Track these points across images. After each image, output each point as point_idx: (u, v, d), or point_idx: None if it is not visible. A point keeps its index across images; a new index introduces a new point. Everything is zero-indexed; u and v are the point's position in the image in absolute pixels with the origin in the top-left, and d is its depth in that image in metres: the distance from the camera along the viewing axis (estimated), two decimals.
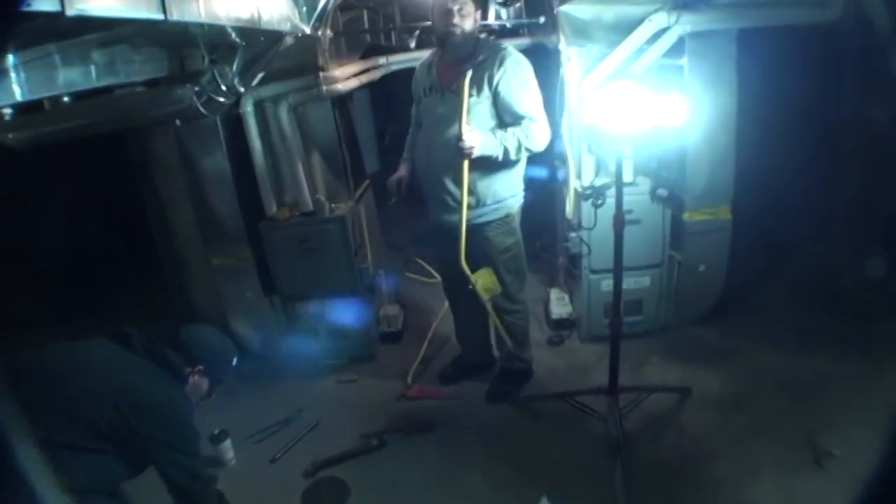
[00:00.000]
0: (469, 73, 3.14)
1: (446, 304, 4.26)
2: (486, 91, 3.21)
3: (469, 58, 3.26)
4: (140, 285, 5.11)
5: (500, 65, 3.19)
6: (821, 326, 4.00)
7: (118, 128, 3.90)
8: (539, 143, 3.27)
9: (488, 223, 3.42)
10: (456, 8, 3.17)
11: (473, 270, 3.39)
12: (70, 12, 1.56)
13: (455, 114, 3.16)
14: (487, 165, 3.26)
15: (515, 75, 3.21)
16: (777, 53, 4.00)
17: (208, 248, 4.28)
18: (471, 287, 3.39)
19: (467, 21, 3.20)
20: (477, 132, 3.13)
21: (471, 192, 3.29)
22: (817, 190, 4.63)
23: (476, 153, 3.12)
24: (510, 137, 3.18)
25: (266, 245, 4.15)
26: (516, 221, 3.54)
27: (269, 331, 4.42)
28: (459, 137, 3.09)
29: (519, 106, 3.22)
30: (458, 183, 3.25)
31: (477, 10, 3.29)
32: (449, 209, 3.38)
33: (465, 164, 3.18)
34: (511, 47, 3.32)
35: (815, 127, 4.45)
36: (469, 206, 3.30)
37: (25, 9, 1.44)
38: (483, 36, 3.47)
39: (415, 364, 4.23)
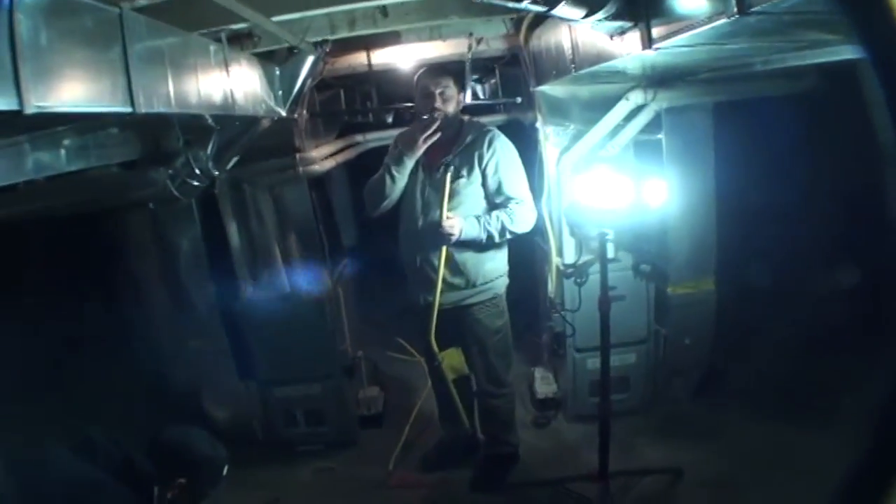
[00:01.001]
0: (452, 168, 3.16)
1: (429, 384, 4.11)
2: (475, 172, 3.23)
3: (454, 139, 3.27)
4: (113, 368, 4.90)
5: (489, 146, 3.21)
6: (810, 394, 3.91)
7: (91, 209, 3.82)
8: (524, 225, 3.26)
9: (478, 304, 3.38)
10: (438, 91, 3.19)
11: (463, 352, 3.37)
12: (28, 110, 1.49)
13: (461, 191, 3.22)
14: (476, 246, 3.24)
15: (504, 157, 3.23)
16: (754, 124, 4.05)
17: (183, 330, 4.15)
18: (436, 364, 3.35)
19: (450, 104, 3.23)
20: (457, 218, 3.12)
21: (460, 273, 3.27)
22: (800, 258, 4.62)
23: (456, 240, 3.10)
24: (494, 221, 3.16)
25: (242, 327, 4.04)
26: (504, 302, 3.50)
27: (246, 415, 4.24)
28: (439, 224, 3.09)
29: (506, 188, 3.23)
30: (449, 265, 3.24)
31: (460, 91, 3.32)
32: (434, 290, 3.30)
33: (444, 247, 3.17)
34: (496, 129, 3.35)
35: (794, 194, 4.48)
36: (458, 287, 3.29)
37: None
38: (467, 118, 3.48)
39: (396, 449, 4.05)
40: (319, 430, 4.21)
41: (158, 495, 2.15)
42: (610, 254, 3.66)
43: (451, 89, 3.23)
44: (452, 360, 3.35)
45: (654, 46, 1.97)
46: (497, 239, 3.20)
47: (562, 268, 3.93)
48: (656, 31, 1.95)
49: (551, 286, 4.09)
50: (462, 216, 3.19)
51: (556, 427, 4.24)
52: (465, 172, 3.21)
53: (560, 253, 3.98)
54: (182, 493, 2.22)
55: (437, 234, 3.13)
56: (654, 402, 4.17)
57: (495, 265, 3.37)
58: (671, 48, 1.99)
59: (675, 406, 4.16)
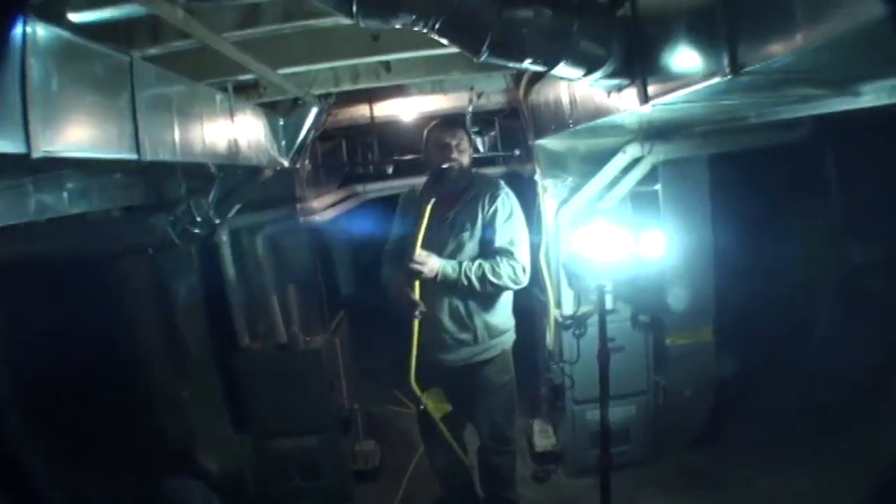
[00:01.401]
0: (432, 201, 3.08)
1: None
2: (478, 226, 3.17)
3: (463, 192, 3.24)
4: (107, 416, 4.82)
5: (492, 199, 3.17)
6: (810, 441, 3.87)
7: (91, 252, 3.82)
8: (509, 279, 3.10)
9: (487, 361, 3.28)
10: (454, 143, 3.18)
11: (464, 411, 3.34)
12: (35, 155, 1.51)
13: (445, 248, 3.15)
14: (482, 301, 3.19)
15: (503, 210, 3.17)
16: (750, 174, 4.11)
17: (179, 380, 4.11)
18: (422, 408, 3.28)
19: (465, 156, 3.22)
20: (434, 256, 3.05)
21: (467, 328, 3.18)
22: (799, 305, 4.63)
23: (427, 275, 3.02)
24: (474, 268, 3.07)
25: (238, 378, 3.99)
26: (511, 358, 3.41)
27: (240, 468, 4.17)
28: (411, 258, 3.02)
29: (498, 241, 3.14)
30: (456, 320, 3.17)
31: (471, 144, 3.31)
32: (445, 347, 3.22)
33: (416, 283, 3.08)
34: (503, 183, 3.32)
35: (792, 242, 4.52)
36: (467, 344, 3.20)
37: None
38: (475, 170, 3.44)
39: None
40: (314, 485, 4.12)
41: None
42: (608, 305, 3.67)
43: (465, 141, 3.23)
44: (433, 399, 3.25)
45: (651, 103, 2.02)
46: (478, 287, 3.06)
47: (560, 319, 3.92)
48: (652, 89, 1.99)
49: (550, 338, 4.08)
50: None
51: (556, 481, 4.17)
52: (468, 226, 3.16)
53: (558, 304, 3.98)
54: None
55: (406, 268, 3.04)
56: (656, 454, 4.11)
57: (502, 320, 3.30)
58: (667, 105, 2.04)
59: (677, 458, 4.10)
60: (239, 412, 4.08)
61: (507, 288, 3.17)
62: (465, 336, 3.20)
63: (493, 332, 3.25)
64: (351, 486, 4.26)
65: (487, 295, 3.15)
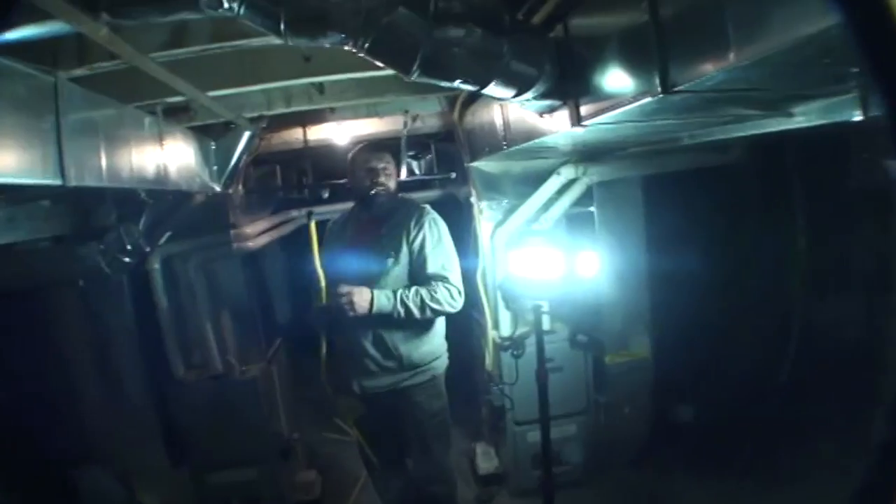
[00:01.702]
0: (313, 220, 3.12)
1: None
2: (403, 250, 3.07)
3: (388, 216, 3.16)
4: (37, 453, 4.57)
5: (417, 223, 3.09)
6: (749, 454, 3.96)
7: (19, 284, 3.65)
8: (448, 304, 3.03)
9: (416, 387, 3.14)
10: (381, 167, 3.12)
11: (397, 441, 3.27)
12: None
13: (371, 276, 3.03)
14: (406, 326, 3.05)
15: (431, 235, 3.09)
16: (683, 195, 4.24)
17: (113, 413, 3.94)
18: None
19: (391, 180, 3.17)
20: (363, 289, 2.94)
21: (392, 356, 3.06)
22: (733, 321, 4.77)
23: (358, 311, 2.91)
24: (411, 295, 2.96)
25: (173, 410, 3.88)
26: (442, 384, 3.29)
27: (179, 503, 4.01)
28: (339, 293, 2.92)
29: (430, 266, 3.05)
30: (380, 347, 3.05)
31: (396, 168, 3.30)
32: (369, 374, 3.11)
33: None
34: (428, 207, 3.24)
35: (724, 261, 4.66)
36: (392, 371, 3.09)
37: None
38: (400, 195, 3.36)
39: None
40: None
41: None
42: (546, 326, 3.71)
43: (392, 166, 3.19)
44: (346, 402, 3.24)
45: (583, 123, 2.06)
46: (417, 314, 2.97)
47: (498, 341, 3.94)
48: (584, 109, 2.04)
49: (488, 359, 4.08)
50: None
51: (500, 503, 4.15)
52: (393, 252, 3.06)
53: (496, 326, 4.00)
54: None
55: (330, 306, 2.98)
56: (597, 473, 4.14)
57: (431, 347, 3.18)
58: (600, 125, 2.08)
59: (620, 474, 4.13)
60: (176, 445, 3.96)
61: (445, 312, 3.08)
62: (390, 363, 3.09)
63: (421, 358, 3.14)
64: None
65: (414, 320, 3.02)
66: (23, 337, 4.12)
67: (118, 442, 3.95)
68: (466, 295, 3.14)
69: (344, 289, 2.90)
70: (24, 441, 4.10)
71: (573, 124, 2.11)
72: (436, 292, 2.99)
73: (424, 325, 3.12)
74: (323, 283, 3.07)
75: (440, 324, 3.23)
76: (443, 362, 3.28)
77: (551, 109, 2.27)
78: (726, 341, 4.56)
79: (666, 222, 4.14)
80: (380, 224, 3.16)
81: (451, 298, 3.03)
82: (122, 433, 3.92)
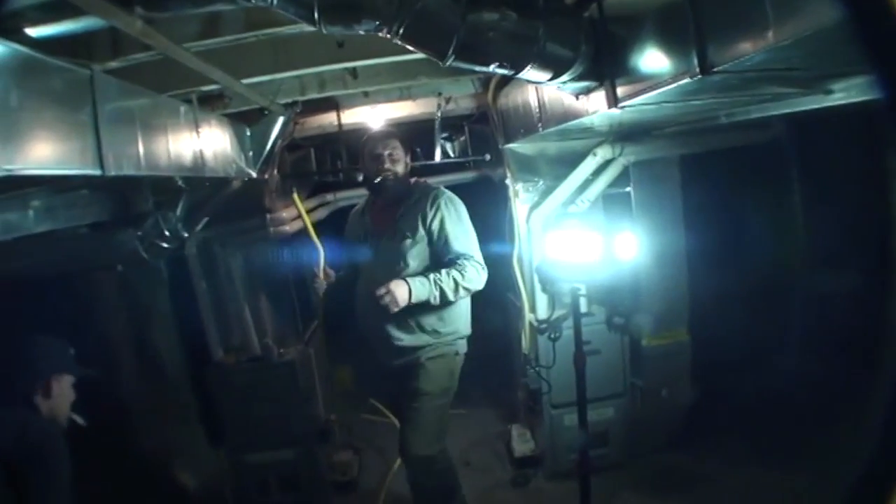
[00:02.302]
0: (294, 191, 3.41)
1: None
2: (420, 232, 3.15)
3: (402, 200, 3.25)
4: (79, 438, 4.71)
5: (433, 204, 3.16)
6: (786, 440, 3.90)
7: (59, 271, 3.73)
8: (476, 282, 3.12)
9: (432, 359, 3.19)
10: (386, 153, 3.20)
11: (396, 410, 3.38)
12: None
13: (393, 259, 3.14)
14: (430, 306, 3.09)
15: (449, 214, 3.16)
16: (721, 174, 4.14)
17: (152, 395, 4.02)
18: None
19: (399, 165, 3.23)
20: (400, 284, 2.98)
21: (414, 332, 3.14)
22: (773, 303, 4.67)
23: (401, 305, 2.96)
24: (445, 278, 3.03)
25: (212, 392, 3.93)
26: (450, 369, 3.27)
27: (217, 483, 4.09)
28: (378, 294, 2.97)
29: (455, 244, 3.13)
30: (401, 326, 3.13)
31: (407, 153, 3.30)
32: (392, 352, 3.21)
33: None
34: (443, 188, 3.32)
35: (764, 240, 4.56)
36: (412, 348, 3.17)
37: None
38: (414, 179, 3.43)
39: None
40: (293, 497, 4.06)
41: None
42: (583, 308, 3.67)
43: (399, 151, 3.23)
44: (343, 372, 3.29)
45: (620, 105, 2.02)
46: (451, 297, 3.05)
47: (535, 324, 3.92)
48: (621, 90, 2.00)
49: (525, 342, 4.06)
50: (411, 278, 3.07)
51: (536, 485, 4.14)
52: (409, 233, 3.14)
53: (533, 309, 3.97)
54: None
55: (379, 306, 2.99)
56: (634, 456, 4.11)
57: (456, 326, 3.24)
58: (636, 106, 2.04)
59: (656, 458, 4.10)
60: (214, 426, 4.01)
61: (474, 290, 3.16)
62: (411, 339, 3.16)
63: (442, 331, 3.19)
64: (329, 497, 4.21)
65: (447, 302, 3.10)
66: (62, 322, 4.23)
67: (158, 423, 4.04)
68: (503, 277, 3.17)
69: (382, 289, 2.95)
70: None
71: (610, 106, 2.08)
72: (465, 271, 3.08)
73: (450, 306, 3.18)
74: (322, 255, 3.39)
75: (466, 303, 3.29)
76: (461, 344, 3.31)
77: (587, 91, 2.23)
78: (767, 323, 4.47)
79: (704, 202, 4.05)
80: (395, 208, 3.25)
81: (478, 275, 3.13)
82: (161, 414, 4.01)
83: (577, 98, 2.33)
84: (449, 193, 3.25)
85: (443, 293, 3.02)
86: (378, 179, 3.21)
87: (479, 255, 3.18)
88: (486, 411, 3.59)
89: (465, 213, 3.23)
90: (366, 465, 4.58)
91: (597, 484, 3.33)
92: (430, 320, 3.16)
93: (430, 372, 3.19)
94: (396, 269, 3.10)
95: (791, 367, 4.34)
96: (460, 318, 3.27)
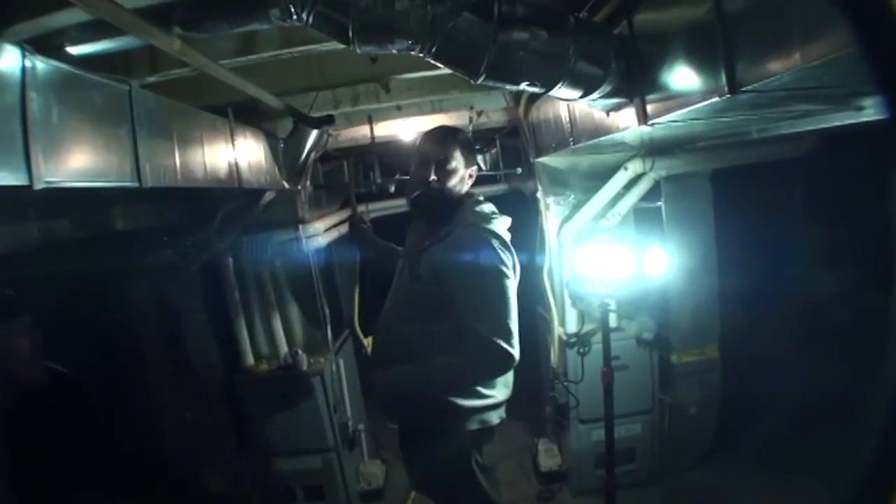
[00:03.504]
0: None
1: None
2: (430, 277, 2.31)
3: (440, 225, 2.37)
4: (110, 440, 4.80)
5: (456, 248, 2.26)
6: (817, 459, 3.81)
7: (95, 277, 3.83)
8: (481, 371, 2.28)
9: (433, 434, 2.41)
10: (437, 158, 2.35)
11: None
12: (38, 186, 1.53)
13: (404, 300, 2.44)
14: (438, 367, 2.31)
15: (468, 272, 2.23)
16: (753, 188, 4.09)
17: (183, 400, 4.09)
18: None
19: (452, 178, 2.36)
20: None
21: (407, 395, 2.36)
22: (805, 321, 4.58)
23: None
24: (441, 372, 2.29)
25: (242, 399, 3.99)
26: (469, 444, 2.40)
27: (245, 489, 4.14)
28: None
29: (468, 315, 2.21)
30: (418, 368, 2.31)
31: (470, 164, 2.43)
32: (410, 406, 2.41)
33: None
34: (486, 228, 2.31)
35: (797, 257, 4.48)
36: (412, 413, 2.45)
37: None
38: (476, 198, 2.49)
39: None
40: None
41: None
42: (612, 323, 3.66)
43: (457, 160, 2.35)
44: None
45: (650, 122, 2.01)
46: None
47: (564, 338, 3.90)
48: (651, 108, 1.99)
49: (554, 356, 4.06)
50: (414, 330, 2.34)
51: (562, 501, 4.13)
52: (424, 274, 2.31)
53: (562, 323, 3.96)
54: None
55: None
56: (662, 473, 4.07)
57: (459, 393, 2.33)
58: (667, 123, 2.03)
59: (682, 477, 4.05)
60: (244, 433, 4.06)
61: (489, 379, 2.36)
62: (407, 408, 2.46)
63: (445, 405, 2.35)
64: None
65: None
66: (96, 328, 4.32)
67: (187, 428, 4.10)
68: (533, 291, 2.68)
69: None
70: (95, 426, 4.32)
71: (640, 122, 2.07)
72: (468, 360, 2.25)
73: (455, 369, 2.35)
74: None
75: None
76: (473, 422, 2.40)
77: (618, 107, 2.22)
78: (801, 342, 4.39)
79: (736, 217, 4.00)
80: (428, 234, 2.42)
81: (485, 361, 2.24)
82: (191, 420, 4.07)
83: (608, 114, 2.33)
84: (485, 238, 2.26)
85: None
86: (415, 194, 2.40)
87: (504, 332, 2.17)
88: (514, 424, 3.57)
89: (490, 271, 2.23)
90: (393, 475, 4.58)
91: (622, 501, 3.30)
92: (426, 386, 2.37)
93: (444, 451, 2.47)
94: (405, 312, 2.42)
95: (827, 389, 4.25)
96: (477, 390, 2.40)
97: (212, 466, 4.11)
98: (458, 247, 2.25)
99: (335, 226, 4.25)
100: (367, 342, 3.01)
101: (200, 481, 4.07)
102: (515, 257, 2.36)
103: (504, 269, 2.24)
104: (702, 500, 3.82)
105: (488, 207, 2.46)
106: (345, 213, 4.58)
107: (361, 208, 4.80)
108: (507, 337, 2.16)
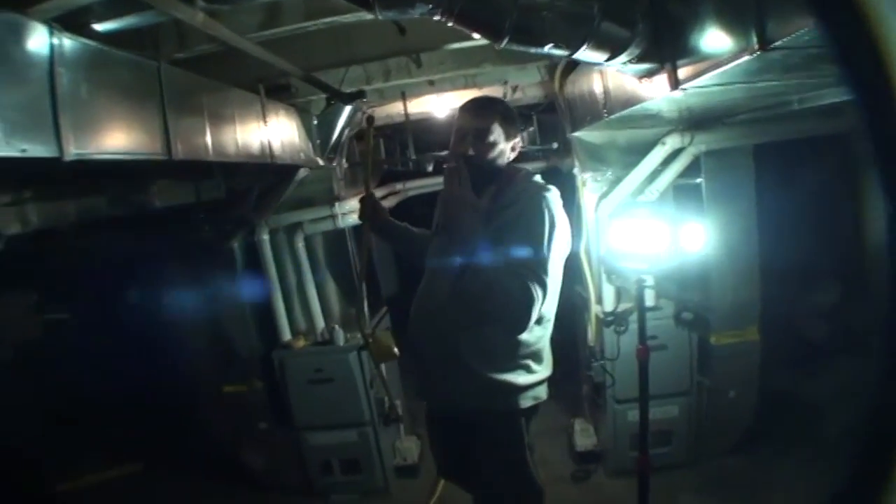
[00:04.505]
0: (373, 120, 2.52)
1: None
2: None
3: (487, 190, 2.29)
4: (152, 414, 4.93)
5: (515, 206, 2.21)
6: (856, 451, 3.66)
7: (133, 254, 3.92)
8: (502, 297, 2.09)
9: (483, 415, 2.32)
10: (474, 127, 2.23)
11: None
12: (67, 158, 1.56)
13: (463, 257, 2.21)
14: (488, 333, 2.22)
15: (523, 215, 2.18)
16: (797, 165, 3.94)
17: (221, 375, 4.19)
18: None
19: (492, 150, 2.24)
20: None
21: (456, 363, 2.24)
22: (848, 304, 4.42)
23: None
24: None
25: (279, 374, 4.05)
26: (521, 426, 2.34)
27: (281, 462, 4.23)
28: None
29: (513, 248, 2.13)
30: (465, 354, 2.22)
31: (512, 135, 2.29)
32: (445, 388, 2.31)
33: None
34: (553, 191, 2.24)
35: (843, 236, 4.31)
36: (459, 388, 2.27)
37: (22, 156, 1.45)
38: (523, 171, 2.38)
39: (431, 502, 3.92)
40: (354, 479, 4.17)
41: None
42: (650, 301, 3.58)
43: (496, 132, 2.22)
44: (382, 342, 2.80)
45: (682, 87, 1.95)
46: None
47: (601, 316, 3.84)
48: (682, 72, 1.92)
49: (591, 334, 4.00)
50: (460, 311, 2.21)
51: (596, 481, 4.09)
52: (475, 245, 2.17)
53: (599, 300, 3.90)
54: None
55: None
56: (697, 457, 3.98)
57: (511, 370, 2.25)
58: (700, 88, 1.96)
59: (718, 461, 3.96)
60: (281, 407, 4.14)
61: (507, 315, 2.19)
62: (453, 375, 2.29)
63: (493, 379, 2.28)
64: (390, 480, 4.27)
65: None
66: (137, 304, 4.44)
67: (226, 402, 4.19)
68: (570, 269, 2.51)
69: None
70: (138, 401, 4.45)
71: (672, 88, 2.01)
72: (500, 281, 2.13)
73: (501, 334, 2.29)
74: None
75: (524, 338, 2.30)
76: (524, 399, 2.35)
77: (650, 73, 2.16)
78: (845, 323, 4.23)
79: (779, 194, 3.86)
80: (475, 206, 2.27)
81: (508, 289, 2.10)
82: (230, 394, 4.16)
83: (641, 81, 2.26)
84: (554, 208, 2.17)
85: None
86: (448, 165, 2.28)
87: (529, 267, 2.08)
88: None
89: (544, 219, 2.13)
90: (427, 451, 4.59)
91: (657, 484, 3.23)
92: (480, 349, 2.29)
93: (492, 431, 2.42)
94: (449, 291, 2.26)
95: (870, 372, 4.08)
96: (525, 361, 2.34)
97: (249, 440, 4.21)
98: (523, 212, 2.16)
99: None
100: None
101: (238, 453, 4.18)
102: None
103: (563, 234, 2.17)
104: (737, 486, 3.73)
105: (541, 179, 2.36)
106: (383, 190, 4.60)
107: (398, 186, 4.80)
108: (539, 279, 2.07)
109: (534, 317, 2.11)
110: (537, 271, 2.07)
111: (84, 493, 3.95)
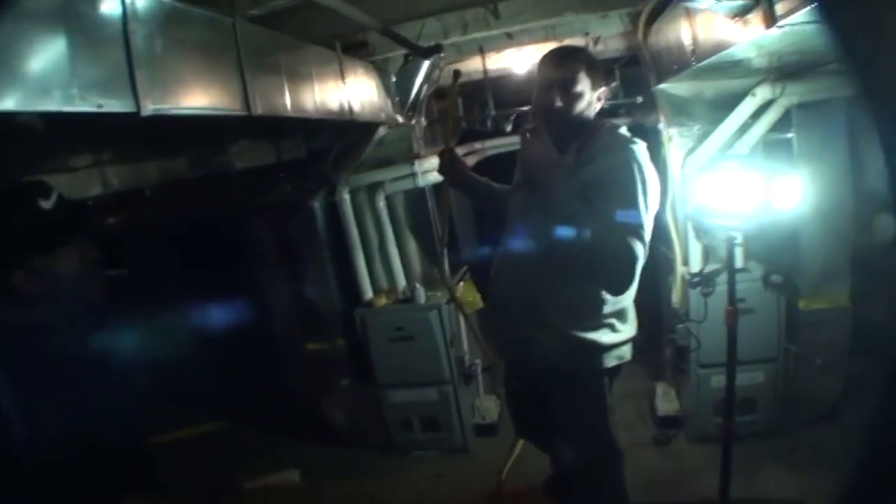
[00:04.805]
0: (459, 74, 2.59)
1: None
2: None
3: (571, 145, 2.24)
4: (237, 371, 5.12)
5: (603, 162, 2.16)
6: None
7: (216, 214, 4.05)
8: (595, 253, 2.07)
9: (564, 371, 2.33)
10: (559, 78, 2.16)
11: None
12: (144, 113, 1.60)
13: (550, 215, 2.14)
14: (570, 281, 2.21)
15: (610, 174, 2.13)
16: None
17: (303, 333, 4.31)
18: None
19: (578, 102, 2.16)
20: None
21: (539, 318, 2.27)
22: None
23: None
24: None
25: (361, 331, 4.12)
26: (603, 385, 2.37)
27: (362, 419, 4.34)
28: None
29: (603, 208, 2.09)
30: (550, 312, 2.25)
31: (598, 84, 2.23)
32: (528, 346, 2.34)
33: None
34: (633, 146, 2.18)
35: None
36: (540, 342, 2.30)
37: (99, 111, 1.49)
38: (608, 124, 2.34)
39: (509, 461, 3.94)
40: (433, 436, 4.23)
41: None
42: (739, 263, 3.42)
43: (582, 82, 2.15)
44: (467, 294, 2.94)
45: (778, 24, 1.80)
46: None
47: (687, 277, 3.70)
48: (780, 6, 1.78)
49: (676, 296, 3.87)
50: (547, 266, 2.22)
51: (677, 447, 3.98)
52: (562, 199, 2.14)
53: (686, 261, 3.76)
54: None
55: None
56: (782, 426, 3.80)
57: (596, 328, 2.27)
58: (797, 25, 1.81)
59: (804, 432, 3.75)
60: (362, 364, 4.22)
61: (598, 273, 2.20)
62: (536, 329, 2.32)
63: (575, 335, 2.30)
64: (469, 438, 4.31)
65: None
66: (220, 265, 4.58)
67: (309, 359, 4.31)
68: (655, 229, 2.43)
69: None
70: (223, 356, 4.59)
71: (767, 26, 1.87)
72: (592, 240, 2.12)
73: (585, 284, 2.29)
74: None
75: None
76: (609, 356, 2.39)
77: (744, 11, 2.01)
78: None
79: (875, 152, 3.56)
80: (557, 161, 2.26)
81: (602, 248, 2.09)
82: (312, 351, 4.26)
83: (734, 20, 2.11)
84: (642, 161, 2.14)
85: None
86: (531, 121, 2.26)
87: (639, 235, 2.06)
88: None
89: (648, 187, 2.11)
90: (507, 411, 4.61)
91: (738, 451, 3.10)
92: (561, 303, 2.31)
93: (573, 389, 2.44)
94: (534, 247, 2.27)
95: None
96: (607, 317, 2.34)
97: (331, 396, 4.33)
98: (611, 167, 2.12)
99: None
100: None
101: (321, 410, 4.30)
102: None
103: (654, 189, 2.15)
104: (821, 460, 3.54)
105: (627, 131, 2.31)
106: (462, 149, 4.56)
107: (477, 145, 4.75)
108: (641, 237, 2.05)
109: (637, 275, 2.10)
110: (637, 229, 2.05)
111: (175, 447, 4.14)
